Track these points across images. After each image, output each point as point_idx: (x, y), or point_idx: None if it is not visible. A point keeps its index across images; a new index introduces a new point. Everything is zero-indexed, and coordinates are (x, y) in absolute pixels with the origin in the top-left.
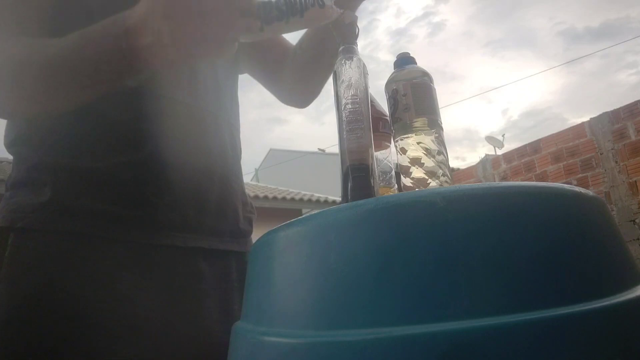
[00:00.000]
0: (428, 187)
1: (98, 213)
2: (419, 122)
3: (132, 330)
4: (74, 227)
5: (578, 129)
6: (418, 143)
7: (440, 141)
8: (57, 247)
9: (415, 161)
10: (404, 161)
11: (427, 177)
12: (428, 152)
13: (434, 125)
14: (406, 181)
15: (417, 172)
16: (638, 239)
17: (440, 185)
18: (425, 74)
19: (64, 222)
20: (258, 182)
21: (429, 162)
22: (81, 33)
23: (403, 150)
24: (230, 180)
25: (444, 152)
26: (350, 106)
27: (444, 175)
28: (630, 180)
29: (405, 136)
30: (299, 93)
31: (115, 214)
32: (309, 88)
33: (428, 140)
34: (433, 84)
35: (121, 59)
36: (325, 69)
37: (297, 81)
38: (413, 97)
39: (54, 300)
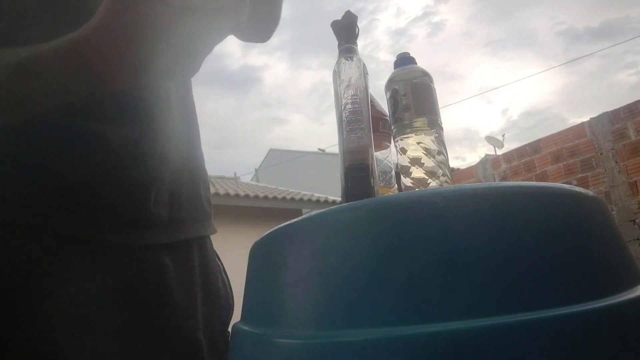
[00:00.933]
0: (428, 187)
1: (47, 206)
2: (419, 122)
3: (85, 332)
4: (14, 218)
5: (578, 129)
6: (418, 143)
7: (440, 141)
8: (18, 242)
9: (415, 161)
10: (404, 161)
11: (427, 177)
12: (428, 152)
13: (434, 125)
14: (406, 181)
15: (417, 172)
16: (638, 239)
17: (440, 185)
18: (425, 74)
19: (24, 216)
20: (258, 182)
21: (429, 162)
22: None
23: (403, 150)
24: (187, 164)
25: (444, 152)
26: (350, 106)
27: (444, 175)
28: (630, 180)
29: (405, 136)
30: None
31: (64, 208)
32: (262, 15)
33: (428, 140)
34: (433, 83)
35: (76, 78)
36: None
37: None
38: (413, 97)
39: (12, 300)
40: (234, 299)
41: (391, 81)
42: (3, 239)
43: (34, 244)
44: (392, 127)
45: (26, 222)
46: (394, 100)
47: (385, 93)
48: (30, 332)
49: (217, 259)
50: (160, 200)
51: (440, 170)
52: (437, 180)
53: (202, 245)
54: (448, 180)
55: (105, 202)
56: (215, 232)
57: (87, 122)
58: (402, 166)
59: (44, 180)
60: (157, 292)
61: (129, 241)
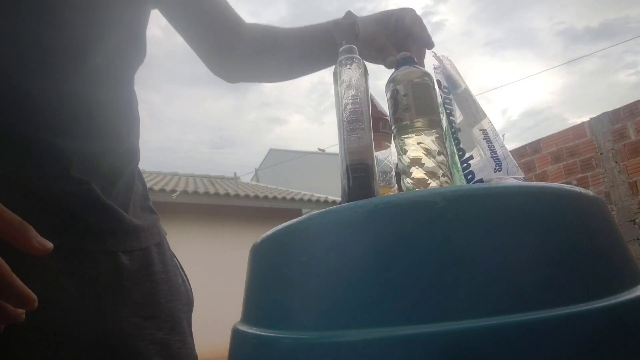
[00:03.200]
0: (428, 188)
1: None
2: (419, 122)
3: (54, 335)
4: None
5: (578, 129)
6: (418, 143)
7: (440, 141)
8: None
9: (416, 161)
10: (404, 161)
11: (427, 178)
12: (428, 152)
13: (435, 125)
14: (406, 181)
15: (418, 173)
16: (638, 239)
17: (441, 185)
18: (425, 74)
19: None
20: (258, 182)
21: (429, 163)
22: None
23: (403, 151)
24: (132, 170)
25: (445, 153)
26: (350, 106)
27: (444, 175)
28: (630, 180)
29: (405, 136)
30: (247, 76)
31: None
32: (266, 77)
33: (428, 141)
34: (434, 84)
35: None
36: (302, 72)
37: (254, 67)
38: (413, 98)
39: None
40: (234, 299)
41: (391, 81)
42: None
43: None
44: (393, 128)
45: None
46: (394, 100)
47: (386, 93)
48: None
49: (174, 257)
50: (117, 204)
51: (441, 171)
52: (437, 181)
53: (161, 250)
54: (448, 181)
55: (60, 208)
56: (165, 233)
57: (43, 134)
58: (403, 166)
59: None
60: (113, 292)
61: (86, 247)
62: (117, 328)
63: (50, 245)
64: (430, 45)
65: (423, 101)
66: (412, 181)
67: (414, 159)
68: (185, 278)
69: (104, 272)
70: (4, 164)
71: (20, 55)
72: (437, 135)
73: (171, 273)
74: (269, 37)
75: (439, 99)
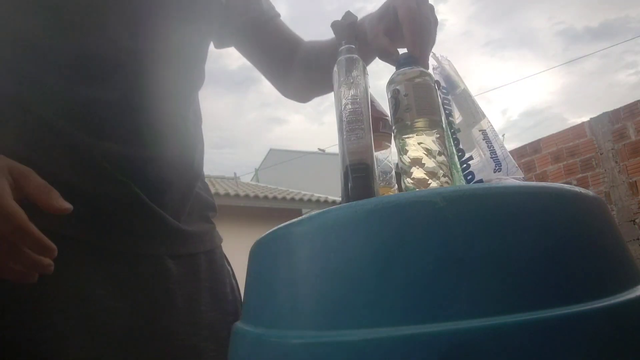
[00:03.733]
0: (428, 188)
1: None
2: (420, 123)
3: (91, 332)
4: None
5: (578, 129)
6: (419, 143)
7: (441, 141)
8: None
9: (416, 161)
10: (405, 161)
11: (427, 178)
12: (429, 152)
13: (436, 125)
14: (407, 181)
15: (418, 173)
16: (638, 239)
17: (441, 185)
18: (426, 74)
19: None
20: (258, 182)
21: (429, 163)
22: None
23: (404, 151)
24: (188, 182)
25: (446, 153)
26: (350, 106)
27: (444, 175)
28: (630, 180)
29: (406, 136)
30: (307, 92)
31: (76, 214)
32: (319, 91)
33: (429, 141)
34: (435, 84)
35: None
36: None
37: (308, 83)
38: (414, 98)
39: (7, 303)
40: None
41: (392, 82)
42: None
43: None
44: (393, 128)
45: (51, 230)
46: (395, 100)
47: (387, 93)
48: (36, 333)
49: (226, 264)
50: (167, 211)
51: (441, 171)
52: (437, 181)
53: (211, 258)
54: (449, 181)
55: (111, 212)
56: (221, 240)
57: (95, 139)
58: (403, 166)
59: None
60: (155, 296)
61: (133, 250)
62: (149, 329)
63: (67, 205)
64: (414, 50)
65: (424, 101)
66: (412, 181)
67: (414, 159)
68: (236, 287)
69: (145, 274)
70: (53, 164)
71: (99, 67)
72: (438, 135)
73: (219, 282)
74: (324, 49)
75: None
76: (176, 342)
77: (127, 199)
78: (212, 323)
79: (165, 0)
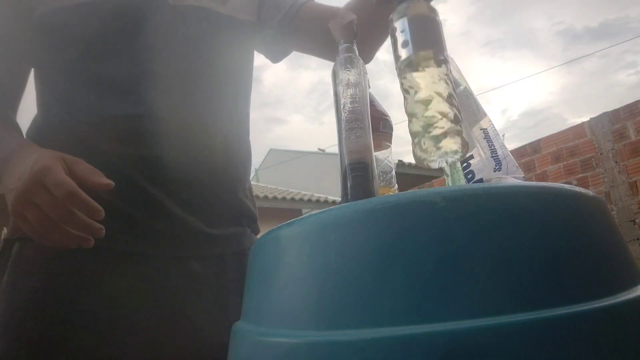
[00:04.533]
0: (438, 129)
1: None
2: (420, 56)
3: (122, 331)
4: None
5: (578, 129)
6: (420, 80)
7: (446, 76)
8: (51, 254)
9: (421, 99)
10: (409, 102)
11: (438, 116)
12: (434, 88)
13: (439, 59)
14: (413, 126)
15: (427, 112)
16: (638, 239)
17: (450, 124)
18: (428, 7)
19: None
20: (258, 182)
21: (437, 100)
22: None
23: (406, 91)
24: (222, 187)
25: (453, 90)
26: (349, 105)
27: (453, 108)
28: (630, 180)
29: (409, 73)
30: (365, 55)
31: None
32: (372, 47)
33: (434, 74)
34: (438, 17)
35: None
36: (381, 32)
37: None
38: (411, 32)
39: (46, 304)
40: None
41: (390, 21)
42: (66, 256)
43: (88, 257)
44: (396, 67)
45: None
46: (393, 39)
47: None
48: (79, 335)
49: None
50: (195, 215)
51: (450, 110)
52: (445, 119)
53: (239, 260)
54: (458, 115)
55: (136, 217)
56: (251, 244)
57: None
58: (408, 109)
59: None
60: (183, 297)
61: (159, 253)
62: (181, 329)
63: (107, 181)
64: None
65: (423, 34)
66: (423, 120)
67: (422, 99)
68: None
69: (174, 277)
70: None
71: (123, 86)
72: (442, 69)
73: None
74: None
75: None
76: (203, 340)
77: (151, 204)
78: None
79: (188, 19)
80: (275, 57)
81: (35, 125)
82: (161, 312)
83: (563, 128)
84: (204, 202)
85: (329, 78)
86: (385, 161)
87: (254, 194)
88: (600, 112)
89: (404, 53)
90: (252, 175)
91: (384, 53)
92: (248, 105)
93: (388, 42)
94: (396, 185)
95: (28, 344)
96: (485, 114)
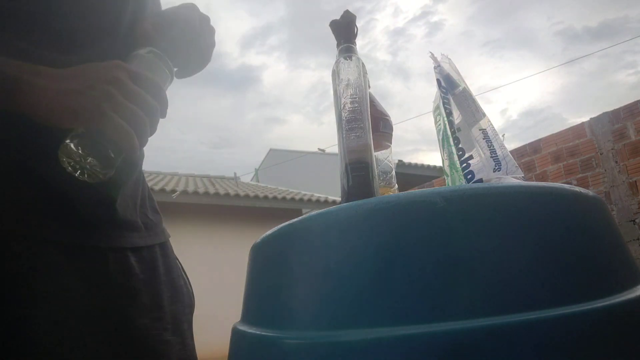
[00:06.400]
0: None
1: (18, 209)
2: None
3: (58, 330)
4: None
5: (578, 129)
6: None
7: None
8: None
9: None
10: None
11: None
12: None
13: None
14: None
15: None
16: (638, 239)
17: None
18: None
19: None
20: (258, 182)
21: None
22: None
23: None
24: (137, 173)
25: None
26: (349, 105)
27: None
28: (630, 180)
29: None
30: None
31: (35, 211)
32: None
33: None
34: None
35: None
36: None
37: None
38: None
39: None
40: (234, 299)
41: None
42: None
43: (19, 249)
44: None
45: (11, 228)
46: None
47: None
48: (10, 333)
49: (176, 259)
50: (124, 205)
51: None
52: None
53: (164, 251)
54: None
55: (74, 206)
56: (169, 236)
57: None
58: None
59: (28, 190)
60: (124, 293)
61: (97, 243)
62: (125, 328)
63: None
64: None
65: None
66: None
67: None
68: (187, 280)
69: (114, 272)
70: (27, 160)
71: None
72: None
73: (174, 275)
74: None
75: (439, 100)
76: (147, 338)
77: (87, 192)
78: (174, 316)
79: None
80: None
81: None
82: (103, 306)
83: (563, 128)
84: (130, 189)
85: (328, 78)
86: (385, 161)
87: (254, 194)
88: (600, 112)
89: None
90: (252, 175)
91: (383, 53)
92: None
93: (388, 43)
94: (396, 185)
95: None
96: (484, 115)
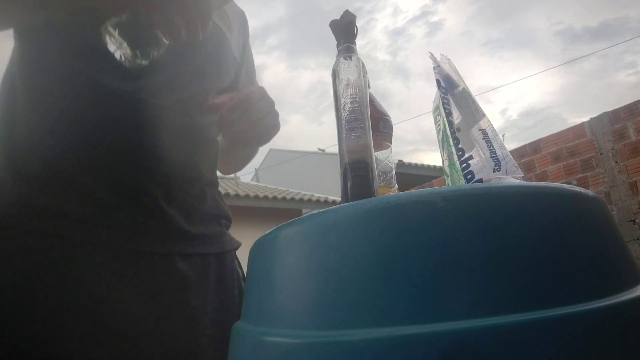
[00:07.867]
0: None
1: (67, 215)
2: None
3: (110, 332)
4: (46, 228)
5: (578, 129)
6: None
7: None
8: (33, 246)
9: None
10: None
11: None
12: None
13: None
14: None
15: None
16: (638, 239)
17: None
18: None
19: (34, 221)
20: (258, 182)
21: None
22: None
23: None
24: (201, 184)
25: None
26: (349, 105)
27: None
28: (630, 180)
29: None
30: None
31: (85, 216)
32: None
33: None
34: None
35: None
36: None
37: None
38: None
39: (29, 300)
40: None
41: None
42: (51, 250)
43: (74, 254)
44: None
45: (67, 235)
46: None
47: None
48: (64, 334)
49: (237, 267)
50: (181, 214)
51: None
52: None
53: (219, 261)
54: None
55: (120, 210)
56: (236, 246)
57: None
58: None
59: (80, 198)
60: (170, 297)
61: (147, 248)
62: (165, 330)
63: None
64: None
65: None
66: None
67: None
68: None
69: (159, 275)
70: (72, 169)
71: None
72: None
73: (228, 285)
74: None
75: (439, 101)
76: (181, 343)
77: (139, 201)
78: (217, 324)
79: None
80: None
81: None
82: (146, 312)
83: (563, 128)
84: (184, 197)
85: (328, 78)
86: (385, 161)
87: (254, 194)
88: (600, 112)
89: None
90: (252, 175)
91: (383, 53)
92: None
93: (387, 43)
94: (396, 185)
95: (6, 341)
96: (484, 115)
